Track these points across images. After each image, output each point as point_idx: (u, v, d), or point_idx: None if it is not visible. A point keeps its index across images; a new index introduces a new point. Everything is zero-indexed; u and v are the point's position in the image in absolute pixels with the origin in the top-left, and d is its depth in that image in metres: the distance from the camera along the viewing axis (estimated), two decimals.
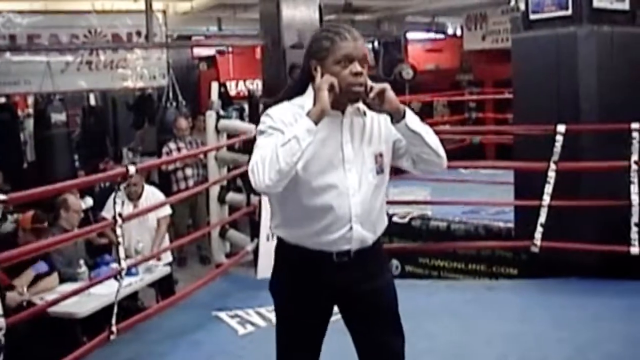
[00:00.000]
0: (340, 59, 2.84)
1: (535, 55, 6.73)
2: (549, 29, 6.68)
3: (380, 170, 2.95)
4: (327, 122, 2.81)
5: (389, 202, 8.52)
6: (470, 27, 16.38)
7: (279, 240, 3.04)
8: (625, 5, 6.81)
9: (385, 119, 2.95)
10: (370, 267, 2.98)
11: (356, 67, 2.83)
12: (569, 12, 6.54)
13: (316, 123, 2.72)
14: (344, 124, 2.91)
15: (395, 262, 7.88)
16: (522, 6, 7.02)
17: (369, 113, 2.94)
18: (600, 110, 6.47)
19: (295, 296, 3.00)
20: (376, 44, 17.58)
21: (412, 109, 3.03)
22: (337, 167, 2.87)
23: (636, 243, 6.13)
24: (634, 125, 6.09)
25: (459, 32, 18.14)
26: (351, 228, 2.88)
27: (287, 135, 2.71)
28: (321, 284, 2.94)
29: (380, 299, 3.01)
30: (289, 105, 2.95)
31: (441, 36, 18.92)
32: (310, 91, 2.93)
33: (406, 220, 8.38)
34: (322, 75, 2.85)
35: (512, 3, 13.31)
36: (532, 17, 6.80)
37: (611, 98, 6.47)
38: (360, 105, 2.92)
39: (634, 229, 6.13)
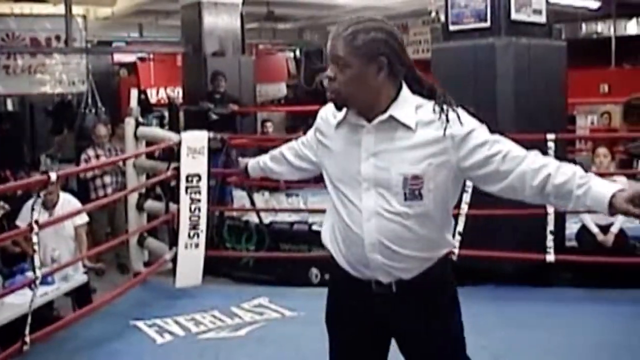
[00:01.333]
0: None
1: (454, 65, 6.82)
2: (468, 40, 6.79)
3: (412, 196, 2.47)
4: (348, 131, 2.56)
5: (309, 211, 8.65)
6: None
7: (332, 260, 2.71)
8: (542, 19, 6.97)
9: (448, 135, 2.46)
10: (416, 307, 2.59)
11: (327, 71, 2.54)
12: (488, 24, 6.66)
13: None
14: (365, 134, 2.52)
15: (314, 270, 7.87)
16: (443, 17, 7.12)
17: (420, 123, 2.48)
18: (517, 120, 6.58)
19: (344, 328, 2.72)
20: (298, 53, 17.63)
21: None
22: (354, 184, 2.53)
23: (551, 251, 6.27)
24: (550, 136, 6.21)
25: None
26: (366, 257, 2.53)
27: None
28: (361, 315, 2.64)
29: (424, 346, 2.65)
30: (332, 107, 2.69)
31: None
32: None
33: None
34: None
35: (433, 14, 13.56)
36: (452, 28, 6.89)
37: (528, 108, 6.60)
38: (399, 112, 2.48)
39: (550, 237, 6.27)
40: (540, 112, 6.57)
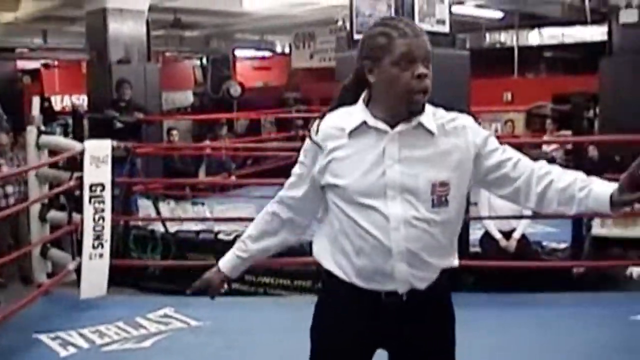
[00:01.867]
0: (398, 59, 2.38)
1: None
2: None
3: (439, 202, 2.44)
4: (367, 137, 2.46)
5: (215, 220, 8.59)
6: (298, 46, 16.68)
7: (323, 273, 2.63)
8: (446, 29, 7.09)
9: (470, 141, 2.50)
10: (425, 316, 2.55)
11: (419, 68, 2.39)
12: None
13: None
14: (390, 141, 2.44)
15: None
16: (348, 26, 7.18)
17: (442, 129, 2.48)
18: None
19: (335, 339, 2.63)
20: (204, 60, 17.55)
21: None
22: (379, 192, 2.43)
23: (455, 256, 6.37)
24: None
25: (287, 50, 18.39)
26: (393, 266, 2.45)
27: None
28: (365, 328, 2.56)
29: (427, 353, 2.62)
30: (338, 116, 2.55)
31: (269, 54, 19.11)
32: (361, 101, 2.53)
33: (232, 237, 8.39)
34: (377, 79, 2.44)
35: (340, 23, 13.65)
36: (357, 36, 6.95)
37: None
38: (423, 118, 2.45)
39: None
40: None
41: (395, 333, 2.57)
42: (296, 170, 2.68)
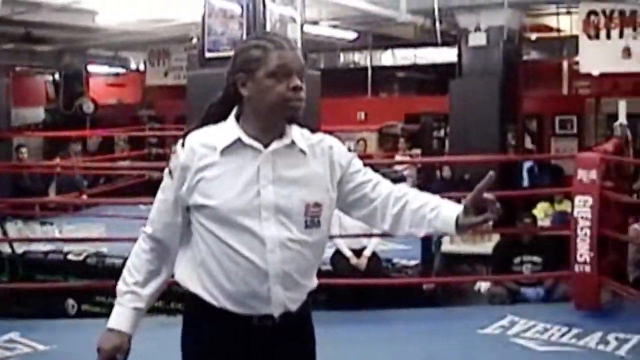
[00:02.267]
0: (274, 70, 2.33)
1: (209, 92, 6.81)
2: (223, 67, 6.80)
3: (312, 224, 2.41)
4: (245, 155, 2.37)
5: (64, 240, 8.35)
6: (153, 63, 16.52)
7: (189, 298, 2.49)
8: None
9: (335, 161, 2.48)
10: (294, 338, 2.50)
11: (295, 80, 2.35)
12: None
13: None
14: (264, 160, 2.37)
15: (71, 301, 7.60)
16: None
17: (312, 149, 2.45)
18: None
19: None
20: (57, 76, 17.08)
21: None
22: (253, 213, 2.35)
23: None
24: None
25: (141, 67, 18.13)
26: (269, 289, 2.38)
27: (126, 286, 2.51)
28: (235, 353, 2.45)
29: None
30: (206, 133, 2.42)
31: (123, 70, 18.80)
32: (232, 118, 2.42)
33: (81, 258, 8.16)
34: (251, 91, 2.36)
35: (194, 40, 13.57)
36: (208, 55, 6.93)
37: None
38: (295, 137, 2.41)
39: None
40: None
41: (265, 356, 2.49)
42: (160, 195, 2.52)
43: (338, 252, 7.28)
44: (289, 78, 2.34)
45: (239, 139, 2.38)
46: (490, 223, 8.30)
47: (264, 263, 2.36)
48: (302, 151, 2.42)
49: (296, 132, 2.44)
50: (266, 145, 2.38)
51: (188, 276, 2.47)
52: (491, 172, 2.36)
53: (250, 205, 2.35)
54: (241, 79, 2.39)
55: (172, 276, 2.57)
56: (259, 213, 2.35)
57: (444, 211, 2.45)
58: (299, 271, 2.41)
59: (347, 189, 2.53)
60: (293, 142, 2.41)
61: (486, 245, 8.36)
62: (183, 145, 2.41)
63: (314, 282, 2.52)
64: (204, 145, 2.39)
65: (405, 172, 10.21)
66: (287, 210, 2.37)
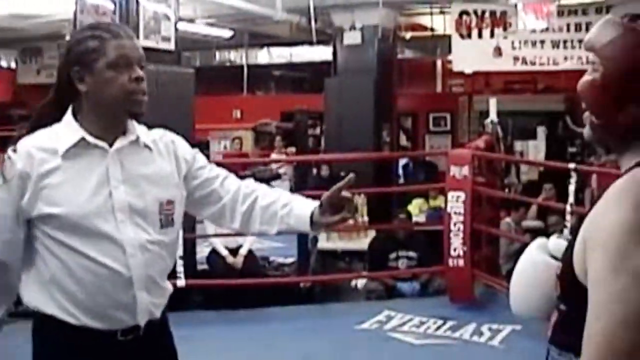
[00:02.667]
0: (114, 61, 2.17)
1: None
2: None
3: (167, 222, 2.29)
4: (91, 156, 2.20)
5: None
6: (24, 61, 16.03)
7: (42, 320, 2.25)
8: (171, 46, 7.02)
9: (180, 156, 2.38)
10: (159, 347, 2.38)
11: (136, 71, 2.20)
12: None
13: None
14: (111, 160, 2.22)
15: None
16: None
17: (156, 145, 2.32)
18: None
19: None
20: None
21: None
22: (108, 216, 2.19)
23: (182, 275, 6.30)
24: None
25: (13, 65, 17.55)
26: (135, 296, 2.22)
27: None
28: None
29: None
30: (42, 136, 2.22)
31: None
32: (68, 112, 2.24)
33: None
34: (90, 86, 2.18)
35: (68, 37, 13.18)
36: None
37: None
38: (141, 134, 2.29)
39: (179, 262, 6.29)
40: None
41: None
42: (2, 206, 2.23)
43: (214, 252, 7.20)
44: (130, 69, 2.19)
45: (83, 139, 2.21)
46: (366, 219, 8.45)
47: (127, 269, 2.21)
48: (147, 147, 2.30)
49: (139, 128, 2.31)
50: (111, 144, 2.23)
51: (37, 297, 2.24)
52: (351, 175, 2.36)
53: (104, 208, 2.19)
54: (78, 73, 2.21)
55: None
56: (114, 216, 2.20)
57: (297, 208, 2.40)
58: (160, 274, 2.31)
59: (194, 185, 2.42)
60: (138, 139, 2.28)
61: (362, 242, 8.41)
62: (15, 151, 2.20)
63: (169, 285, 2.40)
64: (42, 149, 2.19)
65: (281, 171, 10.19)
66: (141, 210, 2.25)
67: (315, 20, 10.94)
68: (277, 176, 9.30)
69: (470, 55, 10.62)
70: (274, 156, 11.10)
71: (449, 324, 6.19)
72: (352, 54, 11.00)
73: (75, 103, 2.26)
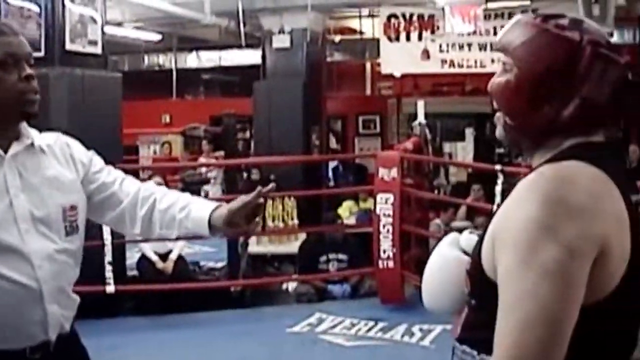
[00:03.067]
0: (1, 60, 2.03)
1: None
2: None
3: (72, 229, 2.17)
4: None
5: None
6: None
7: None
8: (98, 50, 6.93)
9: (77, 159, 2.26)
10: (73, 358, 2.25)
11: (25, 69, 2.06)
12: (42, 53, 6.45)
13: None
14: (7, 167, 2.08)
15: None
16: None
17: (51, 149, 2.20)
18: None
19: None
20: None
21: None
22: (10, 226, 2.05)
23: (111, 281, 6.23)
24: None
25: None
26: (45, 310, 2.08)
27: None
28: None
29: None
30: None
31: None
32: None
33: None
34: None
35: None
36: None
37: (84, 139, 6.50)
38: (35, 138, 2.17)
39: (108, 267, 6.23)
40: (97, 144, 6.51)
41: None
42: None
43: (144, 257, 7.13)
44: (19, 67, 2.06)
45: None
46: (296, 222, 8.46)
47: (35, 282, 2.07)
48: (43, 151, 2.19)
49: (32, 132, 2.20)
50: (5, 150, 2.10)
51: None
52: (272, 185, 2.34)
53: (5, 219, 2.05)
54: None
55: None
56: (17, 226, 2.07)
57: (195, 211, 2.31)
58: (69, 284, 2.20)
59: (92, 189, 2.30)
60: (33, 143, 2.16)
61: (292, 245, 8.43)
62: None
63: (76, 296, 2.28)
64: None
65: (210, 174, 10.14)
66: (45, 218, 2.12)
67: (244, 24, 10.92)
68: (207, 180, 9.25)
69: (398, 58, 10.71)
70: (202, 160, 11.03)
71: (380, 325, 6.23)
72: (281, 57, 11.02)
73: None
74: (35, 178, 2.14)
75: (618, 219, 1.50)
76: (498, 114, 1.73)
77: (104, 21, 7.25)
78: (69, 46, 6.59)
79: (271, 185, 2.32)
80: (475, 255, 1.63)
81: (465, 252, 1.90)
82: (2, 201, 2.06)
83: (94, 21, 6.96)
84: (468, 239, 1.92)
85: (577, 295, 1.42)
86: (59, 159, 2.23)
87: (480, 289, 1.60)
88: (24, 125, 2.17)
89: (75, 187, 2.24)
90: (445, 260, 1.91)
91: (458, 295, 1.82)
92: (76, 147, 2.31)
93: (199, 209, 2.31)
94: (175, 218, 2.32)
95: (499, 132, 1.74)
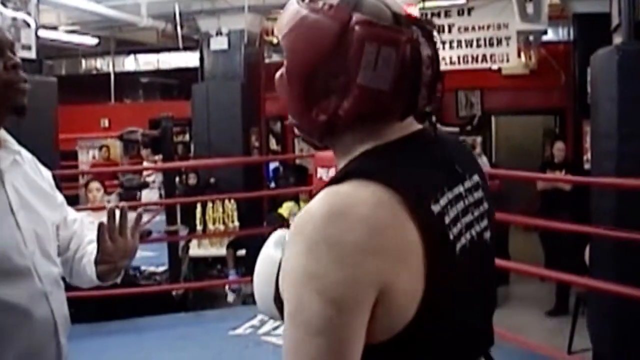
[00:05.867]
0: None
1: None
2: None
3: (59, 250, 2.03)
4: None
5: None
6: None
7: None
8: (32, 55, 6.85)
9: (45, 177, 2.07)
10: None
11: (12, 57, 1.92)
12: None
13: None
14: (6, 177, 1.90)
15: None
16: None
17: (20, 156, 1.99)
18: None
19: None
20: None
21: None
22: (19, 250, 1.84)
23: None
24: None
25: None
26: (59, 344, 1.91)
27: None
28: None
29: None
30: None
31: None
32: None
33: None
34: None
35: None
36: None
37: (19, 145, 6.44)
38: (14, 143, 1.98)
39: None
40: (32, 150, 6.43)
41: None
42: None
43: None
44: (3, 56, 1.93)
45: None
46: (237, 224, 8.46)
47: (51, 314, 1.90)
48: (22, 160, 2.02)
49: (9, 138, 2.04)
50: None
51: None
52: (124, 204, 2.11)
53: (16, 240, 1.85)
54: None
55: None
56: (26, 248, 1.87)
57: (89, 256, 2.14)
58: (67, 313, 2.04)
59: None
60: (19, 152, 2.00)
61: None
62: None
63: None
64: None
65: (149, 179, 10.06)
66: (45, 238, 1.95)
67: (182, 26, 10.88)
68: (146, 185, 9.18)
69: None
70: (145, 164, 10.95)
71: None
72: (218, 59, 11.00)
73: None
74: (26, 192, 1.96)
75: (403, 251, 1.26)
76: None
77: (38, 25, 7.17)
78: None
79: (122, 204, 2.09)
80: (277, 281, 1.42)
81: None
82: (7, 221, 1.86)
83: (28, 25, 6.88)
84: None
85: (351, 350, 1.23)
86: (32, 170, 2.06)
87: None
88: (2, 132, 2.00)
89: (56, 203, 2.10)
90: (271, 262, 1.58)
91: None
92: (40, 164, 2.15)
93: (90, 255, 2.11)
94: (85, 268, 2.13)
95: (297, 133, 1.53)
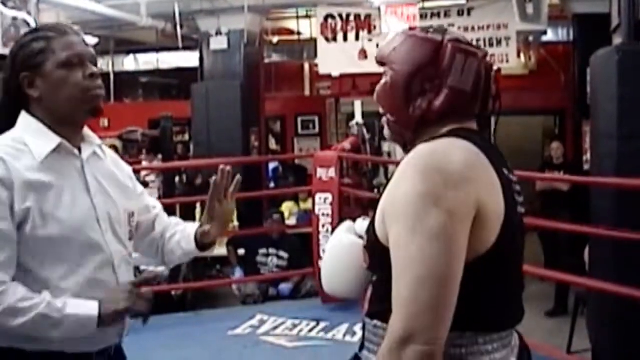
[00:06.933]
0: (65, 59, 2.04)
1: None
2: None
3: (131, 235, 2.23)
4: (66, 163, 2.08)
5: None
6: None
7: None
8: None
9: (128, 171, 2.37)
10: None
11: (91, 68, 2.09)
12: None
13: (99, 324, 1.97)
14: (86, 167, 2.13)
15: None
16: None
17: (102, 151, 2.25)
18: None
19: None
20: None
21: None
22: (94, 227, 2.07)
23: None
24: None
25: None
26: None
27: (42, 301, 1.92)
28: None
29: None
30: (8, 142, 2.02)
31: None
32: (26, 120, 2.06)
33: None
34: (43, 89, 2.04)
35: None
36: None
37: None
38: (95, 138, 2.21)
39: None
40: None
41: None
42: None
43: None
44: (83, 66, 2.09)
45: (61, 145, 2.08)
46: (237, 224, 8.46)
47: (115, 280, 2.13)
48: (103, 153, 2.26)
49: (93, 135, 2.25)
50: (80, 148, 2.15)
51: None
52: (238, 177, 2.54)
53: (90, 217, 2.08)
54: (27, 79, 2.06)
55: None
56: (100, 227, 2.10)
57: (187, 229, 2.48)
58: None
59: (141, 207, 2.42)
60: (101, 146, 2.24)
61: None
62: None
63: None
64: (14, 156, 2.00)
65: (148, 178, 10.04)
66: (117, 220, 2.17)
67: (181, 26, 10.87)
68: (146, 184, 9.17)
69: (336, 58, 10.74)
70: (145, 164, 10.92)
71: (322, 325, 6.28)
72: (218, 59, 10.99)
73: (27, 111, 2.11)
74: (104, 180, 2.19)
75: (491, 185, 1.71)
76: (384, 118, 1.95)
77: (38, 24, 7.17)
78: (1, 50, 6.51)
79: (237, 178, 2.49)
80: (370, 230, 1.81)
81: (360, 237, 2.01)
82: (84, 200, 2.09)
83: (27, 25, 6.89)
84: (363, 224, 2.03)
85: (461, 253, 1.61)
86: (115, 164, 2.31)
87: (378, 258, 1.76)
88: (86, 128, 2.22)
89: (133, 194, 2.34)
90: (343, 246, 2.08)
91: (359, 278, 1.98)
92: (117, 156, 2.38)
93: (189, 228, 2.43)
94: (179, 243, 2.43)
95: (386, 132, 1.96)
